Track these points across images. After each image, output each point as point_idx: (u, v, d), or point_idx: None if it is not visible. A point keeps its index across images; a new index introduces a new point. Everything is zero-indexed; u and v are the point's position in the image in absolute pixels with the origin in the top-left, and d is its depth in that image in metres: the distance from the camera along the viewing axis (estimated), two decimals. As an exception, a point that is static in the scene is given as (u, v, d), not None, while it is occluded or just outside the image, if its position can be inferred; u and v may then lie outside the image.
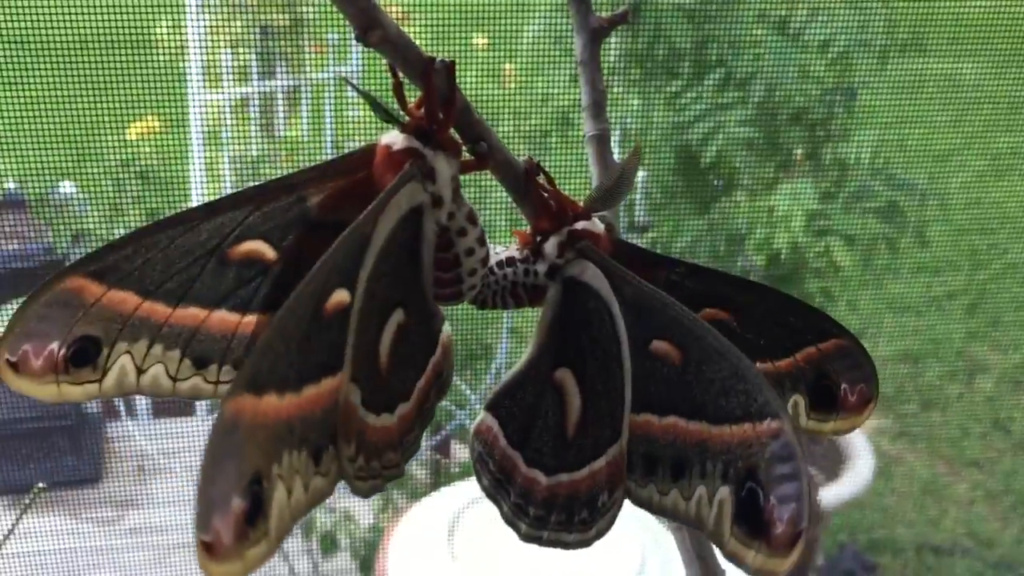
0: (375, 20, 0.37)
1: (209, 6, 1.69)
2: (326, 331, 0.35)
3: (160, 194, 1.74)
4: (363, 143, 0.42)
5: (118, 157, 1.61)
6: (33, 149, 1.39)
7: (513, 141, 1.66)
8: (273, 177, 0.42)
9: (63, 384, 0.38)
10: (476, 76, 1.58)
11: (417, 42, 0.39)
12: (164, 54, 1.73)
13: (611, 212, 0.46)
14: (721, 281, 0.45)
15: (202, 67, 1.74)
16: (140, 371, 0.39)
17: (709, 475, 0.39)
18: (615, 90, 1.64)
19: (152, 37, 1.72)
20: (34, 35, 1.28)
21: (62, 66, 1.31)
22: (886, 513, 2.27)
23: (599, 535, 0.43)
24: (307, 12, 1.73)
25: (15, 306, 0.38)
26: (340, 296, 0.36)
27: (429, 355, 0.42)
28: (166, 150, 1.79)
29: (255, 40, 1.75)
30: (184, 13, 1.67)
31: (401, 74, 0.40)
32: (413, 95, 0.41)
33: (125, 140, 1.69)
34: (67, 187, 1.65)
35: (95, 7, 1.27)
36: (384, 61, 0.40)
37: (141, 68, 1.52)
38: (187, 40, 1.70)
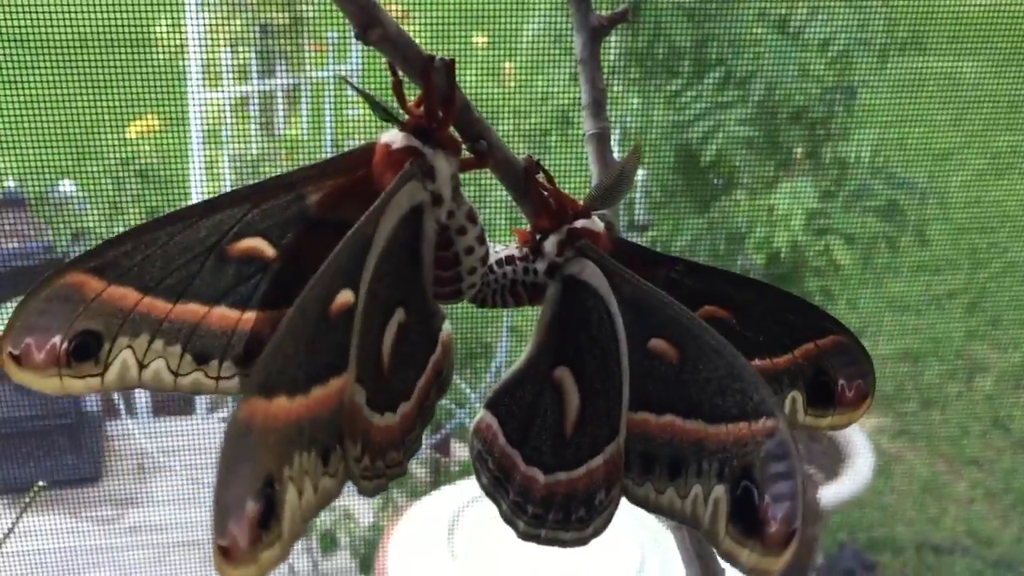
0: (375, 18, 0.37)
1: (209, 5, 1.69)
2: (332, 332, 0.36)
3: (160, 193, 1.74)
4: (363, 142, 0.42)
5: (118, 156, 1.61)
6: (33, 148, 1.39)
7: (513, 140, 1.66)
8: (271, 175, 0.42)
9: (65, 377, 0.38)
10: (476, 75, 1.58)
11: (417, 40, 0.39)
12: (164, 53, 1.73)
13: (611, 211, 0.46)
14: (721, 279, 0.45)
15: (202, 66, 1.74)
16: (142, 366, 0.40)
17: (705, 474, 0.39)
18: (615, 89, 1.64)
19: (152, 36, 1.72)
20: (34, 34, 1.28)
21: (62, 65, 1.31)
22: (886, 512, 2.27)
23: (596, 533, 0.43)
24: (307, 11, 1.73)
25: (15, 305, 0.38)
26: (345, 297, 0.36)
27: (429, 354, 0.42)
28: (166, 149, 1.79)
29: (255, 39, 1.75)
30: (184, 12, 1.67)
31: (401, 72, 0.40)
32: (413, 94, 0.41)
33: (125, 139, 1.69)
34: (67, 186, 1.65)
35: (95, 6, 1.27)
36: (384, 59, 0.40)
37: (141, 67, 1.52)
38: (187, 39, 1.70)
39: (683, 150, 1.65)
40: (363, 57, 1.93)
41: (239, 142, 1.83)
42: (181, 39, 1.71)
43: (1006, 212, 2.20)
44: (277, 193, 0.41)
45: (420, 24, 1.66)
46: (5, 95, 1.36)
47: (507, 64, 1.74)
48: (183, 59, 1.72)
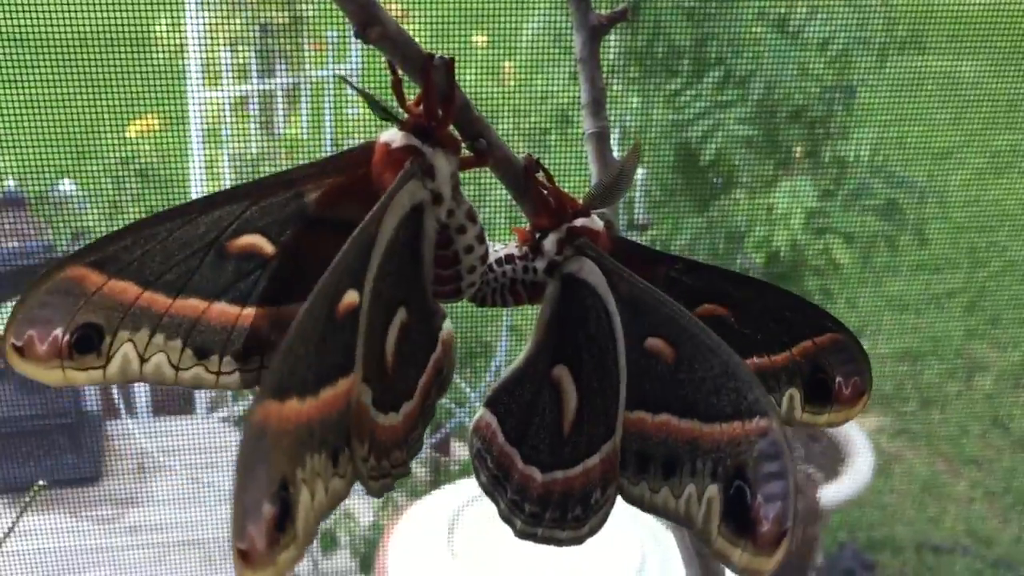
0: (374, 16, 0.37)
1: (208, 4, 1.69)
2: (339, 332, 0.36)
3: (160, 192, 1.74)
4: (362, 141, 0.42)
5: (118, 155, 1.61)
6: (33, 147, 1.39)
7: (512, 139, 1.66)
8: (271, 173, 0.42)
9: (68, 369, 0.38)
10: (475, 74, 1.58)
11: (416, 39, 0.39)
12: (164, 52, 1.73)
13: (610, 209, 0.46)
14: (720, 277, 0.45)
15: (201, 65, 1.74)
16: (143, 359, 0.40)
17: (699, 473, 0.39)
18: (614, 88, 1.64)
19: (151, 35, 1.72)
20: (34, 33, 1.28)
21: (62, 64, 1.31)
22: (885, 511, 2.27)
23: (591, 532, 0.43)
24: (306, 10, 1.74)
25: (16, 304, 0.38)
26: (351, 297, 0.36)
27: (430, 352, 0.43)
28: (166, 148, 1.79)
29: (254, 38, 1.75)
30: (183, 11, 1.67)
31: (400, 71, 0.40)
32: (412, 92, 0.41)
33: (125, 138, 1.69)
34: (67, 185, 1.65)
35: (95, 6, 1.27)
36: (383, 58, 0.40)
37: (141, 66, 1.52)
38: (186, 38, 1.70)
39: (683, 149, 1.65)
40: (363, 56, 1.93)
41: (239, 141, 1.83)
42: (181, 38, 1.71)
43: (1005, 211, 2.20)
44: (276, 191, 0.41)
45: (420, 23, 1.66)
46: (5, 95, 1.35)
47: (507, 63, 1.75)
48: (183, 58, 1.72)
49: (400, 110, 0.42)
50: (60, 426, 1.88)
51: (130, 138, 1.71)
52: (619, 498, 0.43)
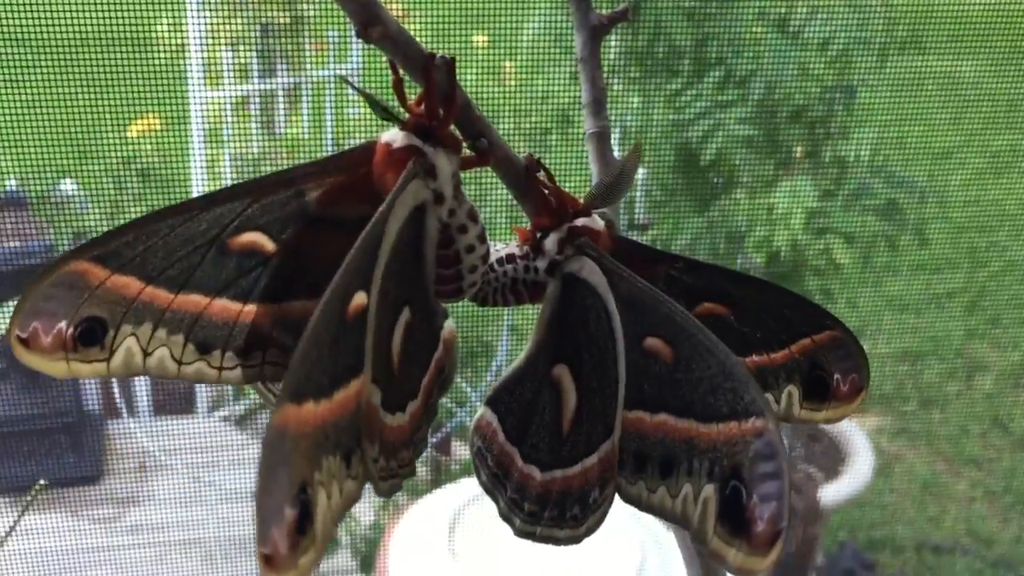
0: (376, 16, 0.38)
1: (209, 4, 1.69)
2: (350, 334, 0.36)
3: (161, 192, 1.74)
4: (363, 140, 0.42)
5: (119, 155, 1.61)
6: (34, 147, 1.39)
7: (513, 139, 1.66)
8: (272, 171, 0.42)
9: (72, 361, 0.39)
10: (476, 74, 1.58)
11: (417, 40, 0.39)
12: (165, 52, 1.73)
13: (611, 209, 0.46)
14: (719, 276, 0.45)
15: (203, 65, 1.74)
16: (146, 353, 0.40)
17: (696, 473, 0.39)
18: (615, 88, 1.64)
19: (153, 35, 1.72)
20: (35, 33, 1.28)
21: (63, 64, 1.31)
22: (886, 511, 2.27)
23: (589, 532, 0.43)
24: (307, 10, 1.74)
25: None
26: (360, 298, 0.37)
27: (433, 352, 0.43)
28: (167, 148, 1.79)
29: (255, 38, 1.76)
30: (184, 11, 1.67)
31: (401, 71, 0.40)
32: (413, 92, 0.42)
33: (126, 138, 1.69)
34: (68, 185, 1.65)
35: (95, 6, 1.28)
36: (384, 58, 0.40)
37: (142, 66, 1.52)
38: (187, 38, 1.70)
39: (683, 149, 1.65)
40: (364, 56, 1.93)
41: (240, 141, 1.84)
42: (182, 39, 1.71)
43: (1005, 211, 2.20)
44: (277, 189, 0.41)
45: (421, 23, 1.66)
46: (6, 94, 1.36)
47: (507, 63, 1.75)
48: (184, 59, 1.72)
49: (401, 110, 0.42)
50: (61, 426, 1.88)
51: (131, 138, 1.71)
52: (618, 498, 0.43)
